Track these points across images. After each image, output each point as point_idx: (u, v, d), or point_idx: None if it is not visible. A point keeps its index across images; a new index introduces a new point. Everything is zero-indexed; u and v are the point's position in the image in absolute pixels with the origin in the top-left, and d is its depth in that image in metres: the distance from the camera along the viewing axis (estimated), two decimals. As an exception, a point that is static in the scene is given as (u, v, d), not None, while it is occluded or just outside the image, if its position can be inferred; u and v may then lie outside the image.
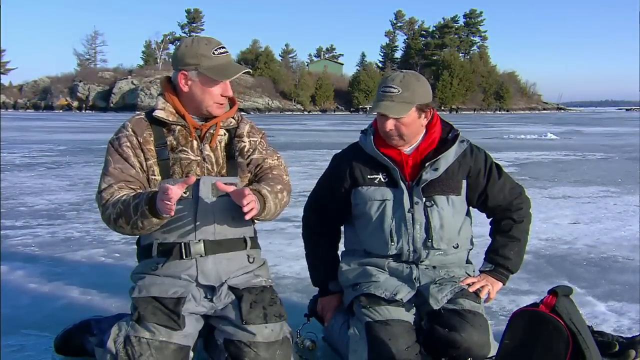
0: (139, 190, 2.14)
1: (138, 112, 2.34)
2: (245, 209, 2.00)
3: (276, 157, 2.35)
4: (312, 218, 2.60)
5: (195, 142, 2.21)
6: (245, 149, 2.29)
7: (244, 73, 2.20)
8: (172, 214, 1.97)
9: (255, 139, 2.33)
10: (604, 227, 5.43)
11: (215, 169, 2.22)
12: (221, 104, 2.21)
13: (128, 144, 2.17)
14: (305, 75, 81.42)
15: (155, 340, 2.02)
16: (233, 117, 2.30)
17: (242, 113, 2.39)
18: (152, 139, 2.19)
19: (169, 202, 1.91)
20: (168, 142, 2.19)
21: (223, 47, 2.19)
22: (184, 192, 2.08)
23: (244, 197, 2.00)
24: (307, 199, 2.63)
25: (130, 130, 2.20)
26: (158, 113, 2.18)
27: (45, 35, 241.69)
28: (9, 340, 2.69)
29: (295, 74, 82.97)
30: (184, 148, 2.19)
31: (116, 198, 2.09)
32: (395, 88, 2.28)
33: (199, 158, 2.20)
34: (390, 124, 2.30)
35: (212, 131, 2.24)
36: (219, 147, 2.25)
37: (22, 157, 12.27)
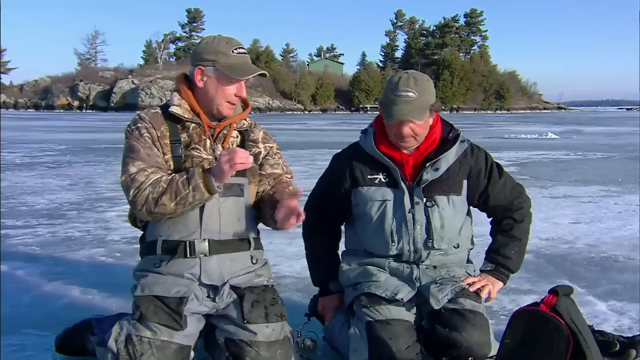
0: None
1: (153, 106, 2.33)
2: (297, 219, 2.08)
3: (291, 176, 2.37)
4: (312, 218, 2.59)
5: (208, 141, 2.21)
6: (262, 155, 2.30)
7: (259, 75, 2.20)
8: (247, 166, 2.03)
9: (271, 145, 2.34)
10: (604, 226, 5.43)
11: None
12: (232, 104, 2.20)
13: (148, 135, 2.16)
14: (305, 75, 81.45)
15: (157, 339, 2.02)
16: (245, 119, 2.31)
17: None
18: (167, 134, 2.19)
19: (243, 160, 1.98)
20: (182, 139, 2.19)
21: (242, 48, 2.19)
22: None
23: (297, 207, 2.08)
24: (307, 198, 2.62)
25: (148, 122, 2.18)
26: (174, 109, 2.17)
27: (46, 34, 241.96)
28: (10, 339, 2.69)
29: (295, 74, 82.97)
30: (197, 146, 2.19)
31: (154, 179, 2.07)
32: (411, 92, 2.25)
33: (211, 157, 2.19)
34: (408, 129, 2.28)
35: (225, 132, 2.24)
36: (231, 148, 2.25)
37: (22, 157, 12.28)
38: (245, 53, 2.19)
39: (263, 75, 2.21)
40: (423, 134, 2.34)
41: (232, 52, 2.15)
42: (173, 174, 2.10)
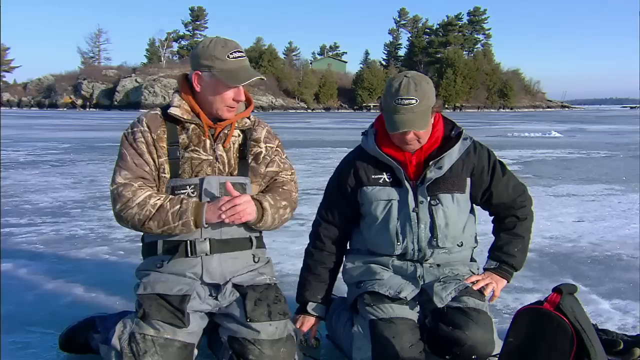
0: (155, 189, 2.16)
1: (154, 107, 2.34)
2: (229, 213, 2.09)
3: (290, 172, 2.35)
4: (320, 234, 2.50)
5: (208, 142, 2.20)
6: (262, 155, 2.29)
7: (257, 79, 2.19)
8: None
9: (272, 145, 2.33)
10: (608, 225, 5.41)
11: (227, 170, 2.22)
12: (232, 108, 2.19)
13: (142, 139, 2.17)
14: (308, 73, 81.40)
15: (160, 337, 2.03)
16: (248, 118, 2.30)
17: None
18: (165, 136, 2.19)
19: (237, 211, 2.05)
20: (181, 140, 2.19)
21: (240, 51, 2.16)
22: (192, 192, 2.11)
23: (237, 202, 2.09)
24: (316, 207, 2.57)
25: (145, 126, 2.19)
26: (173, 110, 2.18)
27: (49, 33, 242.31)
28: (14, 337, 2.69)
29: (298, 72, 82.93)
30: (196, 147, 2.19)
31: (142, 199, 2.09)
32: (413, 99, 2.20)
33: (211, 158, 2.19)
34: (412, 135, 2.27)
35: (226, 131, 2.23)
36: (232, 148, 2.24)
37: (26, 155, 12.30)
38: (242, 56, 2.16)
39: (260, 79, 2.22)
40: (426, 136, 2.33)
41: (228, 56, 2.12)
42: (163, 199, 2.10)
